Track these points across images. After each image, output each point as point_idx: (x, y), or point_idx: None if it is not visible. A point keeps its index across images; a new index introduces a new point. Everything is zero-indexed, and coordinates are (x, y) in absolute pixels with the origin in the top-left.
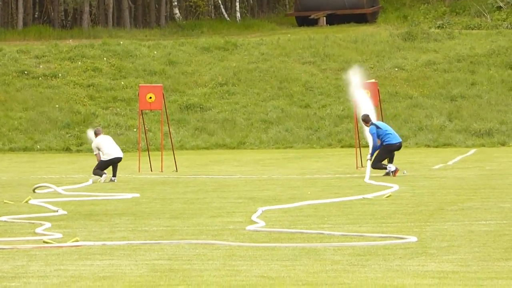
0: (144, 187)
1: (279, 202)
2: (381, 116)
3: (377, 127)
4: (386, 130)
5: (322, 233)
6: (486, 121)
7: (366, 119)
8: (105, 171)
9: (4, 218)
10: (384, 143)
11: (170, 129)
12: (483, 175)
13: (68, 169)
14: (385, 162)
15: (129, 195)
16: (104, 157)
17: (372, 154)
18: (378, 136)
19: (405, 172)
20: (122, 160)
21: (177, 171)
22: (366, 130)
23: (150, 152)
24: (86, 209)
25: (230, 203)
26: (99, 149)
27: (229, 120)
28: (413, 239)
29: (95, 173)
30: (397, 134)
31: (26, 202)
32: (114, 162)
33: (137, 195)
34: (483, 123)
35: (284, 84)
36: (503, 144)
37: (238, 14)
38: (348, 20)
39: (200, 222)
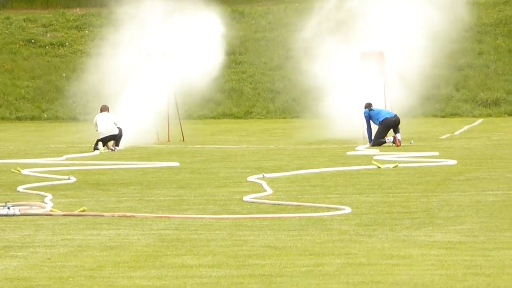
0: (151, 157)
1: (286, 172)
2: (386, 85)
3: (370, 108)
4: (379, 110)
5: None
6: (493, 91)
7: (366, 106)
8: (99, 146)
9: (19, 188)
10: (380, 120)
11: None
12: (490, 145)
13: (75, 138)
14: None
15: (169, 164)
16: (98, 135)
17: (370, 139)
18: (371, 117)
19: (412, 142)
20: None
21: (184, 141)
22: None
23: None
24: (93, 178)
25: (237, 173)
26: (96, 125)
27: (236, 89)
28: (348, 210)
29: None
30: (390, 112)
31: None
32: (105, 140)
33: (177, 164)
34: (490, 93)
35: (291, 54)
36: (510, 114)
37: None
38: None
39: (207, 192)
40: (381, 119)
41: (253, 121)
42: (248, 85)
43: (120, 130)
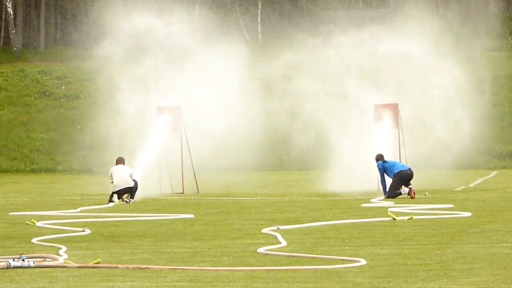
0: (165, 208)
1: (300, 223)
2: (402, 138)
3: (384, 160)
4: (394, 162)
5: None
6: (508, 143)
7: (378, 158)
8: (114, 198)
9: (34, 240)
10: (395, 172)
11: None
12: (505, 197)
13: (89, 190)
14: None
15: (184, 215)
16: (113, 187)
17: (385, 191)
18: (385, 169)
19: (427, 194)
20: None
21: (198, 193)
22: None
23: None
24: (108, 230)
25: (252, 224)
26: (112, 177)
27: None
28: (363, 262)
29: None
30: (405, 165)
31: (32, 223)
32: (120, 193)
33: (191, 215)
34: (505, 145)
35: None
36: None
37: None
38: None
39: (221, 244)
40: (396, 171)
41: (267, 173)
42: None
43: (136, 183)
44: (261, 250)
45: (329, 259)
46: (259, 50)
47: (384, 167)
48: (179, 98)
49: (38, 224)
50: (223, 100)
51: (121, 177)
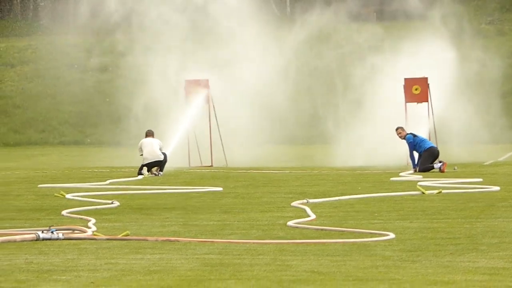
0: (194, 181)
1: (329, 197)
2: (431, 112)
3: (414, 135)
4: (423, 138)
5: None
6: None
7: (401, 131)
8: (143, 171)
9: (63, 212)
10: (425, 147)
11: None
12: None
13: (118, 162)
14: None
15: (213, 188)
16: (142, 160)
17: (415, 164)
18: (415, 144)
19: (456, 168)
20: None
21: (227, 166)
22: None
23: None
24: (137, 203)
25: (280, 198)
26: (141, 150)
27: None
28: (392, 235)
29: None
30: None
31: (62, 195)
32: (149, 166)
33: (220, 188)
34: None
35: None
36: None
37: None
38: (398, 16)
39: (250, 217)
40: (426, 146)
41: (296, 147)
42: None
43: (165, 156)
44: (290, 223)
45: (358, 232)
46: (287, 24)
47: (414, 141)
48: (208, 71)
49: (68, 196)
50: (253, 73)
51: (151, 150)
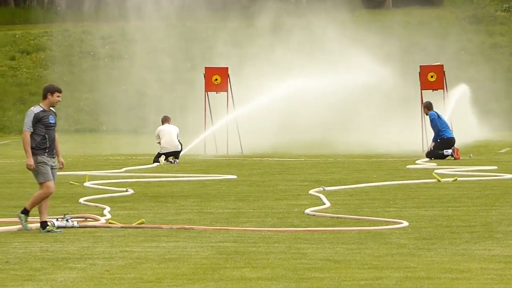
0: (209, 169)
1: (345, 185)
2: (445, 99)
3: (438, 116)
4: (446, 125)
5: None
6: None
7: (429, 106)
8: (160, 159)
9: (80, 200)
10: (445, 136)
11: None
12: None
13: (133, 150)
14: None
15: (228, 176)
16: (160, 148)
17: (436, 139)
18: (436, 125)
19: (471, 155)
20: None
21: (242, 153)
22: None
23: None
24: (152, 190)
25: (296, 186)
26: (159, 137)
27: None
28: (407, 223)
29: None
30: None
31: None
32: (167, 155)
33: (235, 176)
34: None
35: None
36: None
37: None
38: (414, 2)
39: (265, 205)
40: (447, 135)
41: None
42: None
43: (181, 145)
44: (308, 211)
45: (373, 220)
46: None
47: (437, 122)
48: (227, 61)
49: (86, 184)
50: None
51: (170, 140)
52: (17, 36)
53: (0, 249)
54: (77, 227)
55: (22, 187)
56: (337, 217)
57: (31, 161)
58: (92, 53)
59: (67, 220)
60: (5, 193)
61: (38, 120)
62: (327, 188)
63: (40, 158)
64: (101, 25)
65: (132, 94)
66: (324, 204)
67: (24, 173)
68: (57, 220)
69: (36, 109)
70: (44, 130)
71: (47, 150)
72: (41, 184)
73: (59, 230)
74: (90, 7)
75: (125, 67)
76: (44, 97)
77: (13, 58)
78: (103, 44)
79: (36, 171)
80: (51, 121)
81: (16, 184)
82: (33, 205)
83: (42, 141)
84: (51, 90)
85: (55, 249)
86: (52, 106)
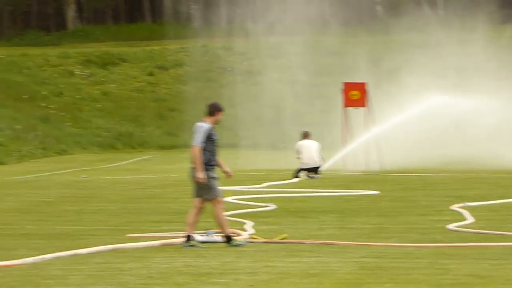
0: (350, 184)
1: (488, 201)
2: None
3: None
4: None
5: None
6: None
7: None
8: (300, 174)
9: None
10: None
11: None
12: None
13: (273, 165)
14: None
15: (369, 192)
16: (300, 164)
17: None
18: None
19: None
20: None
21: (382, 169)
22: None
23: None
24: (294, 206)
25: (438, 201)
26: (299, 153)
27: None
28: None
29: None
30: None
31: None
32: (308, 171)
33: (377, 192)
34: None
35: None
36: None
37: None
38: None
39: (407, 220)
40: None
41: None
42: None
43: (323, 160)
44: (450, 226)
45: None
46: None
47: None
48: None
49: (228, 199)
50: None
51: (310, 156)
52: (154, 52)
53: (143, 264)
54: (220, 242)
55: (163, 202)
56: (481, 233)
57: (204, 174)
58: (229, 68)
59: (208, 235)
60: (146, 208)
61: (208, 136)
62: (470, 204)
63: (210, 173)
64: (236, 39)
65: (270, 110)
66: (466, 219)
67: (165, 188)
68: (200, 235)
69: (206, 125)
70: (212, 146)
71: (214, 166)
72: (212, 199)
73: (202, 245)
74: (226, 22)
75: (262, 82)
76: (212, 114)
77: (151, 74)
78: (240, 59)
79: (209, 186)
80: (216, 138)
81: (156, 199)
82: (224, 225)
83: (211, 157)
84: (219, 109)
85: (198, 264)
86: (216, 124)
